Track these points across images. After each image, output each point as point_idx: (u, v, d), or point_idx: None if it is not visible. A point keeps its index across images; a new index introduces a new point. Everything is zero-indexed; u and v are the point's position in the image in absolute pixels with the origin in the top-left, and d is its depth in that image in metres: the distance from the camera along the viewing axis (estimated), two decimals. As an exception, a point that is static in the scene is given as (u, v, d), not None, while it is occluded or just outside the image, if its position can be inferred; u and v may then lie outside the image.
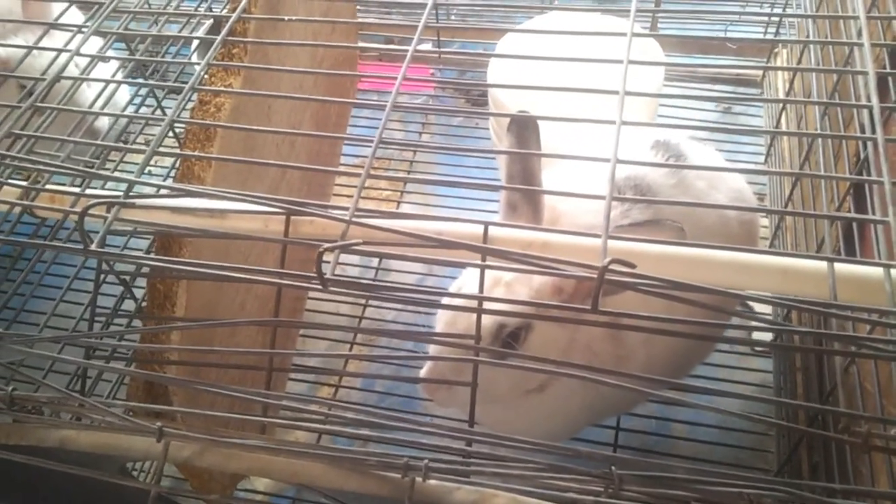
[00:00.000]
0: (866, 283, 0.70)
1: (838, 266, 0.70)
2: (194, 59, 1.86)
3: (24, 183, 0.87)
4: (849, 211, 1.12)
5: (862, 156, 1.05)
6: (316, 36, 1.37)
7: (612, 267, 0.59)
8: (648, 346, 1.12)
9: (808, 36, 1.39)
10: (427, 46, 2.16)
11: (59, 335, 0.88)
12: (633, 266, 0.60)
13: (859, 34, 0.85)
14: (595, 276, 0.59)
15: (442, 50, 1.90)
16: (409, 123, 2.19)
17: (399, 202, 2.02)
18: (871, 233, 1.00)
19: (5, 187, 0.85)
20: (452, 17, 2.18)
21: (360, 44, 2.02)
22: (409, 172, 2.07)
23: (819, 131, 1.02)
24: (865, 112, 0.78)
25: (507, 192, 1.06)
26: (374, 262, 1.86)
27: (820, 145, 1.17)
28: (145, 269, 1.18)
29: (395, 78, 0.84)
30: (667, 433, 1.52)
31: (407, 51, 0.88)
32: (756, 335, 1.55)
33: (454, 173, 1.99)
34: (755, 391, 1.50)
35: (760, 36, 1.98)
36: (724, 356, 1.57)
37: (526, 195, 1.04)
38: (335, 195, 1.82)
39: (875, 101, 0.76)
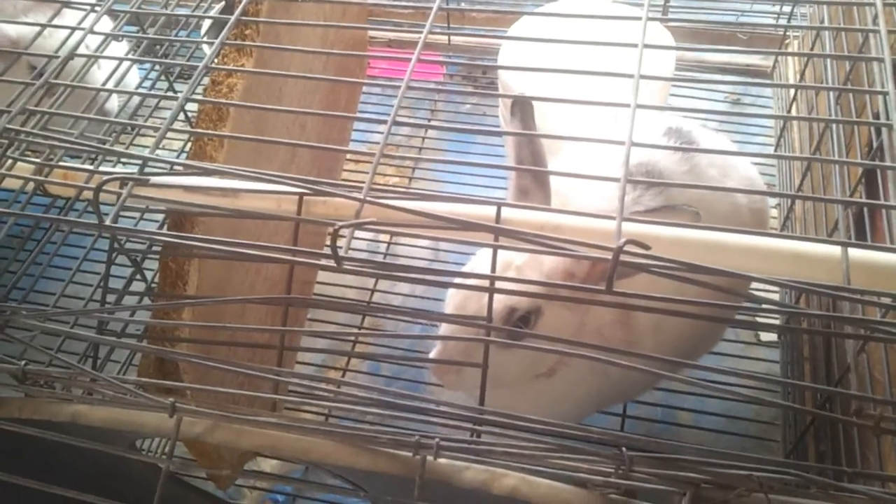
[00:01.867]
0: (880, 269, 0.70)
1: (851, 251, 0.70)
2: (204, 40, 1.86)
3: (37, 160, 0.88)
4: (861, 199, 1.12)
5: (875, 145, 1.05)
6: (327, 20, 1.37)
7: (626, 248, 0.59)
8: (657, 333, 1.12)
9: (821, 24, 1.39)
10: (435, 34, 2.15)
11: (72, 310, 0.88)
12: (647, 248, 0.60)
13: (875, 20, 0.85)
14: (609, 257, 0.59)
15: (452, 32, 1.89)
16: (417, 110, 2.18)
17: (407, 188, 2.02)
18: (882, 222, 1.00)
19: (19, 164, 0.85)
20: (462, 3, 2.17)
21: (370, 30, 2.02)
22: (416, 161, 2.07)
23: (831, 117, 1.02)
24: (880, 99, 0.78)
25: (517, 177, 1.06)
26: (382, 246, 1.87)
27: (832, 134, 1.16)
28: (156, 249, 1.18)
29: (405, 61, 0.84)
30: (672, 421, 1.52)
31: (418, 36, 0.88)
32: (766, 322, 1.55)
33: (463, 160, 1.99)
34: (761, 383, 1.51)
35: (771, 28, 1.97)
36: (730, 346, 1.57)
37: (537, 180, 1.03)
38: (344, 180, 1.82)
39: (891, 87, 0.76)
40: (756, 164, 1.39)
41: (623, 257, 0.59)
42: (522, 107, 1.00)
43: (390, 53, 2.14)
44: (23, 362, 0.80)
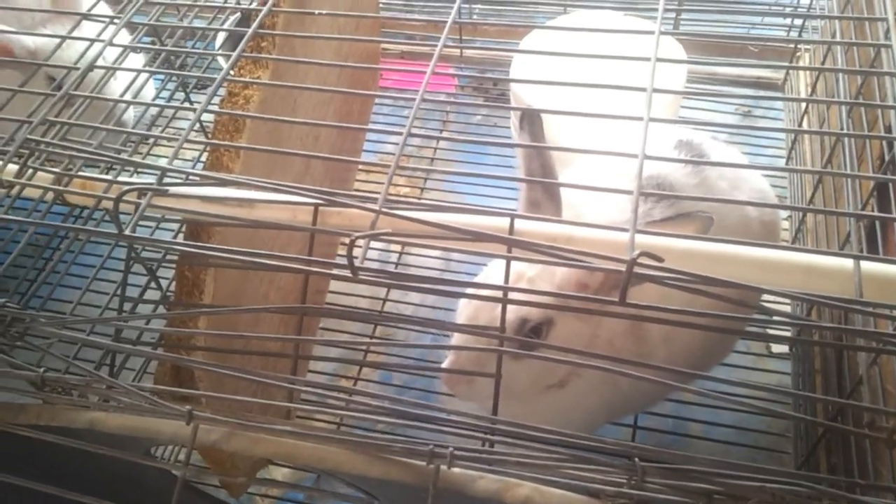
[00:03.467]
0: (892, 282, 0.70)
1: (864, 264, 0.70)
2: (220, 52, 1.88)
3: (56, 170, 0.89)
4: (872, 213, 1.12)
5: (887, 158, 1.05)
6: (341, 33, 1.39)
7: (640, 260, 0.59)
8: (669, 345, 1.12)
9: (832, 38, 1.39)
10: (447, 47, 2.17)
11: (89, 318, 0.89)
12: (661, 260, 0.60)
13: (887, 35, 0.85)
14: (623, 269, 0.60)
15: (465, 45, 1.91)
16: (428, 121, 2.20)
17: (419, 199, 2.03)
18: (894, 235, 1.00)
19: (39, 173, 0.86)
20: (475, 16, 2.19)
21: (383, 42, 2.03)
22: (428, 172, 2.08)
23: (843, 131, 1.02)
24: (892, 113, 0.79)
25: (528, 190, 1.07)
26: (394, 256, 1.88)
27: (844, 147, 1.17)
28: (170, 258, 1.19)
29: (417, 73, 0.85)
30: (684, 432, 1.52)
31: (430, 48, 0.89)
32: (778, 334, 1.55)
33: (474, 171, 2.00)
34: (772, 394, 1.50)
35: (783, 41, 1.97)
36: (741, 359, 1.57)
37: (548, 192, 1.04)
38: (356, 191, 1.84)
39: (902, 101, 0.77)
40: (767, 176, 1.39)
41: (636, 269, 0.60)
42: (531, 119, 1.01)
43: (403, 65, 2.16)
44: (41, 369, 0.81)
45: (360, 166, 1.88)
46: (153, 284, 1.29)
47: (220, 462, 1.03)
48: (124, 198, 0.73)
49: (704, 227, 0.86)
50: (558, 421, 1.19)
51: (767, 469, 0.64)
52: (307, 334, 1.52)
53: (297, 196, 0.77)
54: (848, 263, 0.71)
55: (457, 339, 1.11)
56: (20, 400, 0.87)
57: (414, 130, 0.79)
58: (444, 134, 2.16)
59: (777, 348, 1.64)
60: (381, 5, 1.86)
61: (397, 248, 1.88)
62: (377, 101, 1.98)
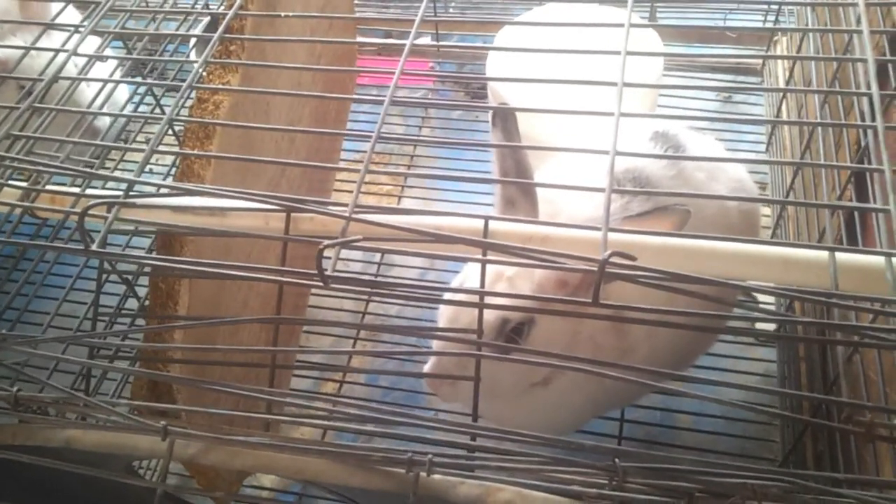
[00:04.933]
0: (868, 273, 0.70)
1: (840, 255, 0.70)
2: (192, 56, 1.86)
3: (24, 184, 0.87)
4: (850, 200, 1.11)
5: (863, 144, 1.05)
6: (314, 32, 1.37)
7: (612, 259, 0.59)
8: (651, 339, 1.11)
9: (807, 24, 1.39)
10: (426, 40, 2.15)
11: (62, 335, 0.88)
12: (633, 258, 0.60)
13: (858, 21, 0.85)
14: (595, 269, 0.59)
15: (440, 43, 1.90)
16: (409, 118, 2.18)
17: (400, 196, 2.02)
18: (873, 222, 1.00)
19: (6, 188, 0.85)
20: (451, 10, 2.17)
21: (359, 38, 2.02)
22: (409, 167, 2.07)
23: (819, 120, 1.02)
24: (865, 100, 0.78)
25: (503, 188, 1.05)
26: (377, 257, 1.87)
27: (820, 134, 1.17)
28: (147, 269, 1.18)
29: (394, 72, 0.84)
30: (671, 424, 1.52)
31: (404, 45, 0.88)
32: (759, 326, 1.55)
33: (455, 167, 1.99)
34: (759, 381, 1.50)
35: (759, 24, 1.97)
36: (727, 346, 1.57)
37: (522, 190, 1.03)
38: (336, 191, 1.82)
39: (875, 88, 0.76)
40: (746, 163, 1.39)
41: (609, 269, 0.59)
42: (503, 116, 1.00)
43: (379, 62, 2.14)
44: (15, 388, 0.80)
45: (342, 164, 1.86)
46: (131, 294, 1.28)
47: (203, 473, 1.03)
48: (92, 212, 0.72)
49: (682, 221, 0.85)
50: (544, 418, 1.18)
51: (748, 467, 0.63)
52: (290, 339, 1.51)
53: (269, 204, 0.76)
54: (823, 255, 0.70)
55: (437, 342, 1.10)
56: (-3, 420, 0.85)
57: (394, 128, 0.78)
58: (425, 130, 2.15)
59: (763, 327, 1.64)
60: (356, 2, 1.84)
61: (377, 255, 1.87)
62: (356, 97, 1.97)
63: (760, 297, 1.48)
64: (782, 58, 1.85)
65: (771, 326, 1.56)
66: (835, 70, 1.25)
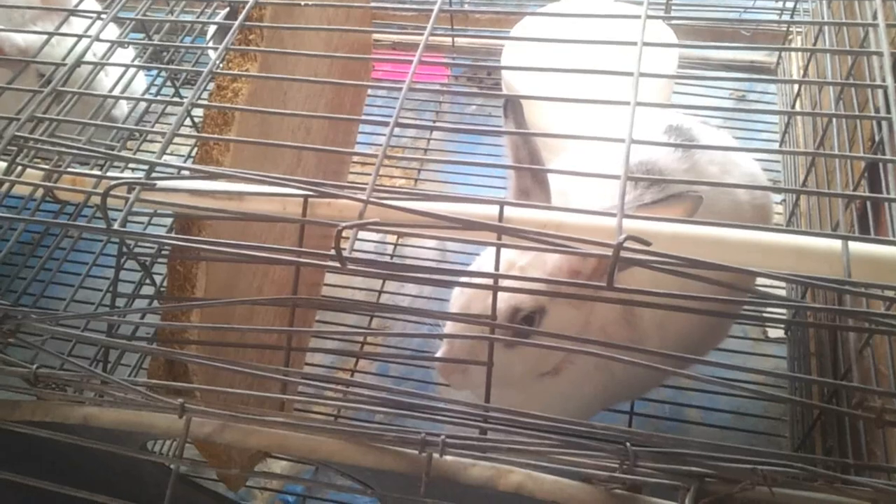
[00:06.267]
0: (881, 262, 0.71)
1: (853, 245, 0.70)
2: (209, 46, 1.87)
3: (46, 167, 0.89)
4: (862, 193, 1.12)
5: (877, 139, 1.05)
6: (331, 24, 1.38)
7: (627, 244, 0.59)
8: (662, 330, 1.12)
9: (823, 19, 1.39)
10: (439, 36, 2.16)
11: (82, 313, 0.89)
12: (648, 244, 0.60)
13: (874, 16, 0.85)
14: (610, 253, 0.60)
15: (455, 33, 1.90)
16: (422, 112, 2.19)
17: (412, 189, 2.03)
18: (885, 215, 1.00)
19: (28, 170, 0.86)
20: (466, 5, 2.18)
21: (374, 33, 2.03)
22: (421, 163, 2.08)
23: (833, 112, 1.02)
24: (880, 94, 0.79)
25: (517, 178, 1.06)
26: (389, 247, 1.88)
27: (835, 129, 1.17)
28: (165, 253, 1.19)
29: (409, 62, 0.84)
30: (680, 418, 1.52)
31: (420, 38, 0.89)
32: (771, 317, 1.55)
33: (466, 161, 2.00)
34: (770, 378, 1.50)
35: (774, 25, 1.97)
36: (737, 343, 1.57)
37: (536, 181, 1.04)
38: (350, 183, 1.83)
39: (890, 81, 0.77)
40: (760, 160, 1.39)
41: (624, 254, 0.60)
42: (514, 107, 1.01)
43: (394, 56, 2.15)
44: (34, 366, 0.81)
45: (355, 158, 1.88)
46: (147, 281, 1.30)
47: (216, 455, 1.04)
48: (113, 193, 0.73)
49: (694, 207, 0.86)
50: (554, 408, 1.19)
51: (758, 451, 0.64)
52: (303, 327, 1.52)
53: (287, 188, 0.77)
54: (837, 244, 0.71)
55: (450, 328, 1.11)
56: (15, 397, 0.87)
57: (406, 122, 0.79)
58: (438, 125, 2.15)
59: (773, 333, 1.64)
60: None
61: (393, 239, 1.89)
62: (370, 93, 1.98)
63: (773, 291, 1.48)
64: (797, 50, 1.85)
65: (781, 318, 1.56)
66: (850, 67, 1.25)
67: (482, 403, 0.73)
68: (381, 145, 0.75)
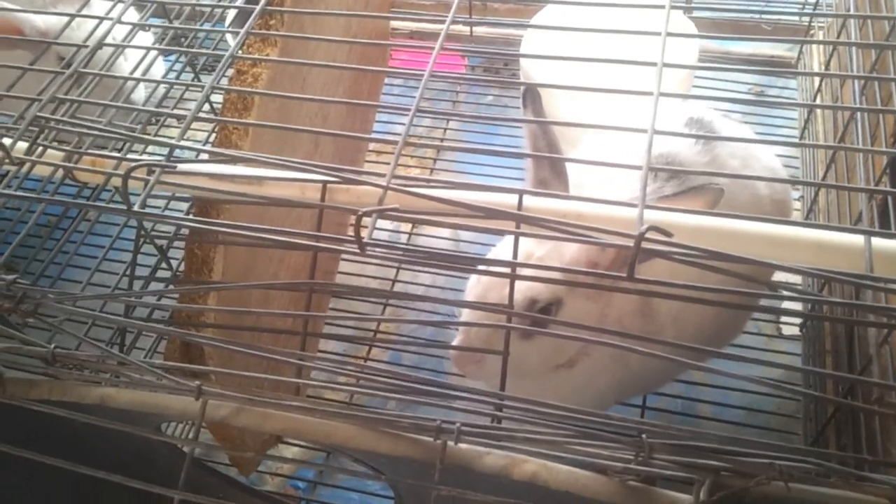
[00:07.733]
0: (904, 258, 0.70)
1: (875, 240, 0.70)
2: (228, 30, 1.87)
3: (66, 148, 0.89)
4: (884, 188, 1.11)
5: (900, 135, 1.04)
6: (350, 10, 1.38)
7: (648, 235, 0.59)
8: (678, 324, 1.12)
9: (846, 12, 1.38)
10: (458, 25, 2.15)
11: (101, 293, 0.89)
12: (669, 235, 0.60)
13: (901, 9, 0.84)
14: (631, 244, 0.60)
15: (474, 21, 1.89)
16: (439, 103, 2.19)
17: (429, 180, 2.02)
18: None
19: (49, 151, 0.87)
20: (485, -2, 2.17)
21: (392, 21, 2.02)
22: (438, 152, 2.08)
23: (856, 106, 1.01)
24: (906, 87, 0.78)
25: (535, 169, 1.06)
26: (404, 237, 1.88)
27: (857, 124, 1.15)
28: (181, 236, 1.20)
29: (427, 52, 0.84)
30: (693, 413, 1.52)
31: (438, 27, 0.89)
32: (787, 318, 1.54)
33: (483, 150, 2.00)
34: (783, 375, 1.50)
35: (795, 19, 1.95)
36: (751, 339, 1.56)
37: (555, 171, 1.04)
38: (365, 171, 1.83)
39: (917, 75, 0.76)
40: (780, 155, 1.38)
41: (645, 244, 0.60)
42: (533, 97, 1.01)
43: (412, 44, 2.14)
44: (52, 346, 0.82)
45: (370, 148, 1.88)
46: (164, 265, 1.30)
47: (229, 439, 1.04)
48: (133, 174, 0.73)
49: (715, 200, 0.85)
50: (568, 401, 1.16)
51: (775, 445, 0.64)
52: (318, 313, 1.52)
53: (306, 173, 0.77)
54: (859, 239, 0.70)
55: (466, 317, 1.11)
56: (32, 377, 0.87)
57: (423, 119, 0.79)
58: (454, 121, 2.15)
59: (788, 330, 1.63)
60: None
61: (407, 228, 1.88)
62: (387, 82, 1.97)
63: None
64: (820, 43, 1.83)
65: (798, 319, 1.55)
66: (873, 62, 1.24)
67: (497, 392, 0.73)
68: (397, 134, 0.75)
